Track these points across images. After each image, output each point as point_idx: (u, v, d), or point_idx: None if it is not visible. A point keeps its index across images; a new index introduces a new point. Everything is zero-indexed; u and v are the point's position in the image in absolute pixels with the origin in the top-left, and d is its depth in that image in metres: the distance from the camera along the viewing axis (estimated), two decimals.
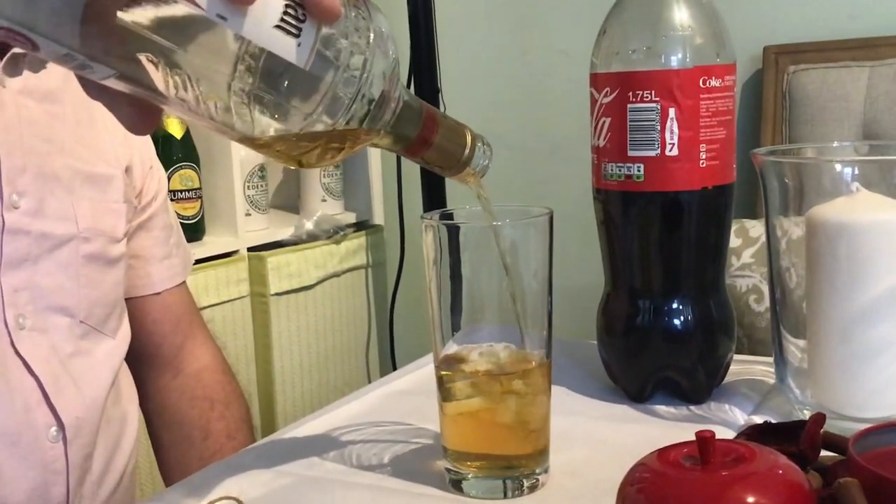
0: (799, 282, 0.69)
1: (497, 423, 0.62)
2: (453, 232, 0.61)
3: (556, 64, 2.14)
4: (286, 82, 0.40)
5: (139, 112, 0.45)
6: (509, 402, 0.62)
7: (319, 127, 0.42)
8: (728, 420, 0.72)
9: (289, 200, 2.25)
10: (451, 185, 1.97)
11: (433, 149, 0.54)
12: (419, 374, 0.86)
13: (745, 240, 1.52)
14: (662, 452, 0.46)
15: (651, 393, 0.77)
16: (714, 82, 0.72)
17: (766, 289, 1.47)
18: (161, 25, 0.39)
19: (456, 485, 0.63)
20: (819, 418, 0.51)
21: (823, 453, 0.52)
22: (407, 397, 0.82)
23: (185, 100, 0.41)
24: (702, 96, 0.71)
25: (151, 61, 0.40)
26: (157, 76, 0.40)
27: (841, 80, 1.73)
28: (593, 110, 0.75)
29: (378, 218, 2.26)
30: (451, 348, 0.62)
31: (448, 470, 0.63)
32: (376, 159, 2.24)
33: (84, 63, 0.39)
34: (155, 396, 1.02)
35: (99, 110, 0.93)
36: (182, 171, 1.77)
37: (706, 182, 0.73)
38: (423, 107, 0.53)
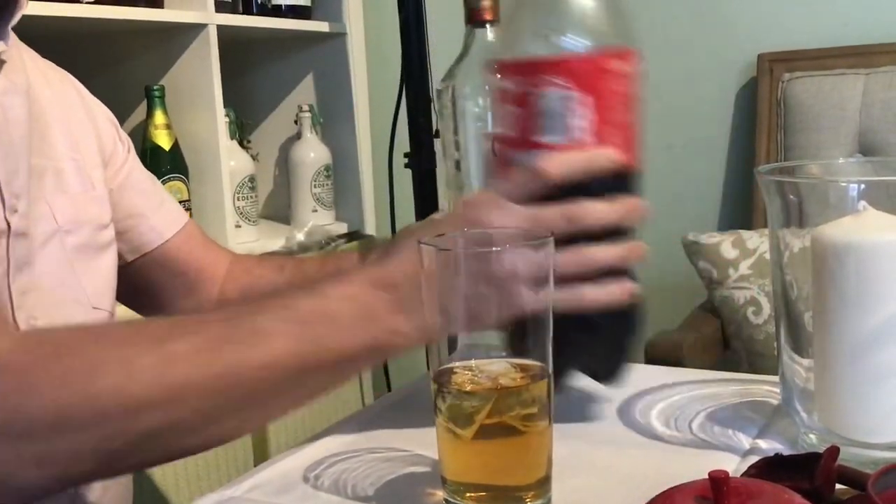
0: (799, 295, 0.67)
1: (497, 449, 0.60)
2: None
3: None
4: None
5: None
6: (510, 423, 0.60)
7: None
8: (732, 445, 0.70)
9: (279, 211, 2.22)
10: (444, 195, 1.94)
11: None
12: (416, 397, 0.84)
13: (743, 251, 1.50)
14: (673, 493, 0.44)
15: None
16: (618, 66, 0.70)
17: (763, 301, 1.46)
18: None
19: None
20: (834, 452, 0.49)
21: (837, 487, 0.50)
22: (404, 421, 0.79)
23: None
24: (606, 81, 0.70)
25: None
26: None
27: (836, 87, 1.72)
28: (498, 98, 0.73)
29: (370, 228, 2.24)
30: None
31: (447, 501, 0.61)
32: (367, 168, 2.21)
33: None
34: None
35: (73, 107, 0.91)
36: (171, 183, 1.75)
37: None
38: None
